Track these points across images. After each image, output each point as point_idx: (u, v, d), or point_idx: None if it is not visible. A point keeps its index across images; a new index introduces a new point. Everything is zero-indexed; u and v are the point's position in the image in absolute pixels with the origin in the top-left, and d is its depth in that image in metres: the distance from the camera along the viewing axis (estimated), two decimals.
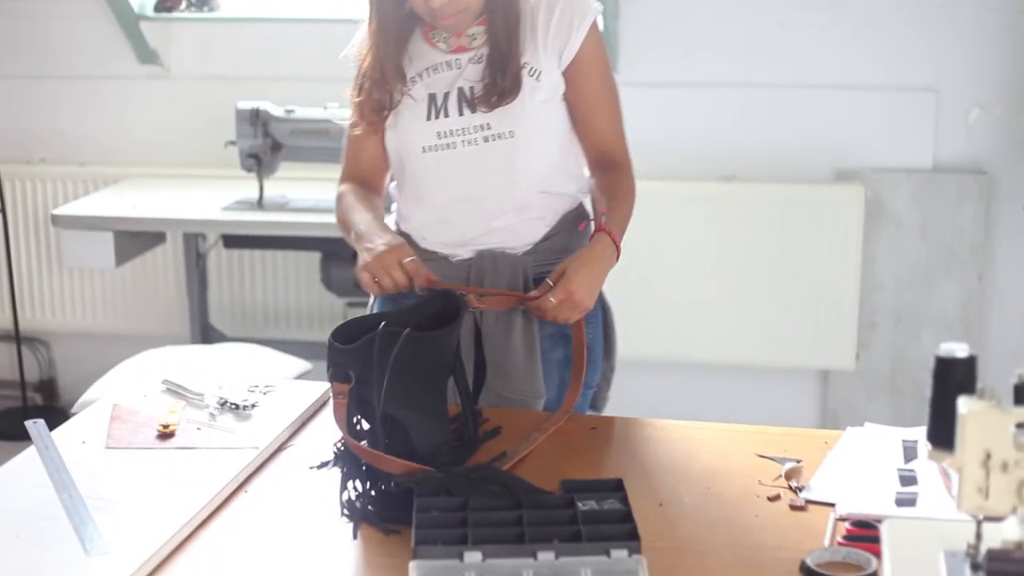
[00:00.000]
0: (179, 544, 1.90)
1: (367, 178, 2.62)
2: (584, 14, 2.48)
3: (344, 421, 2.05)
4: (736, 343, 4.76)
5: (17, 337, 5.26)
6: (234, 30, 5.05)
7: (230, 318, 5.20)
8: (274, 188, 4.65)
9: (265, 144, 4.51)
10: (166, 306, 5.25)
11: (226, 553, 1.89)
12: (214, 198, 4.68)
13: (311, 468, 2.16)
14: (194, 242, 4.96)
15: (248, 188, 4.69)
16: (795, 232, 4.65)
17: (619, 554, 1.72)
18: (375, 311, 2.61)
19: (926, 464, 2.09)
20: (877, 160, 4.67)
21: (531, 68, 2.46)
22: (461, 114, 2.46)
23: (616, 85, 2.58)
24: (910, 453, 2.16)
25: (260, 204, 4.58)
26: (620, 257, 2.45)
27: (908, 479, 2.07)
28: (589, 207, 2.64)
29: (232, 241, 4.90)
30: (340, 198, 2.61)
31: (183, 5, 5.09)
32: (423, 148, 2.49)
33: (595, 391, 2.69)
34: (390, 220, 2.61)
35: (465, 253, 2.53)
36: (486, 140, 2.46)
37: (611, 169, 2.57)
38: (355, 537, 1.92)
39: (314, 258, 4.88)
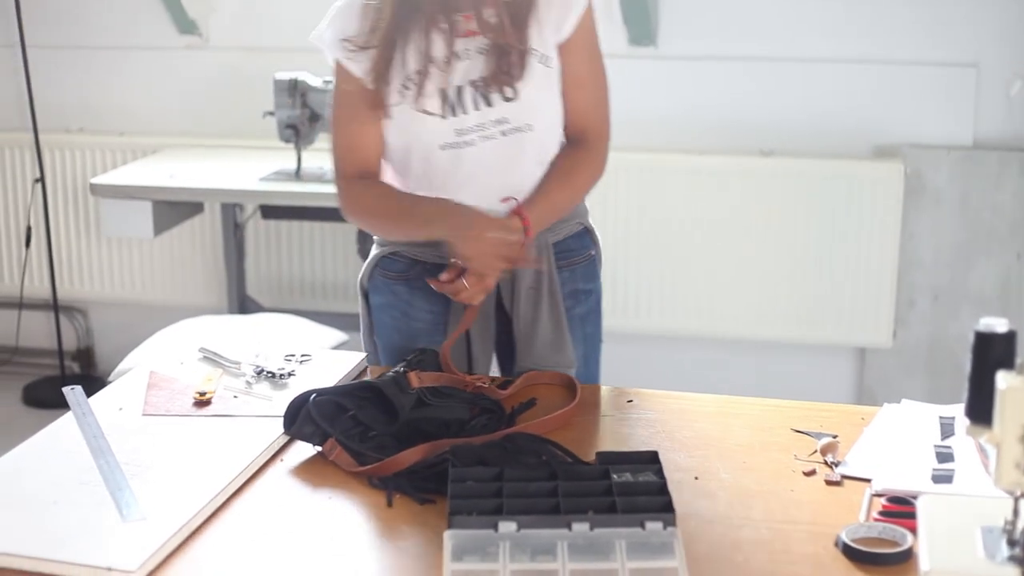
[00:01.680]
0: (215, 511, 1.91)
1: (372, 171, 2.57)
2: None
3: (352, 462, 2.06)
4: (773, 319, 4.74)
5: (55, 306, 5.29)
6: (272, 0, 5.05)
7: (267, 289, 5.22)
8: (312, 159, 4.65)
9: (303, 115, 4.52)
10: (203, 276, 5.27)
11: (261, 520, 1.90)
12: (252, 169, 4.69)
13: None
14: (232, 212, 4.98)
15: (286, 159, 4.70)
16: (833, 208, 4.63)
17: (654, 526, 1.72)
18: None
19: (963, 441, 2.08)
20: (917, 136, 4.65)
21: (541, 55, 2.43)
22: (477, 109, 2.43)
23: (602, 63, 2.55)
24: (947, 430, 2.15)
25: (298, 175, 4.59)
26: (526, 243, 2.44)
27: (945, 456, 2.06)
28: None
29: (270, 212, 4.92)
30: (361, 193, 2.56)
31: None
32: (440, 146, 2.46)
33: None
34: None
35: None
36: (504, 134, 2.44)
37: (579, 145, 2.55)
38: (389, 505, 1.92)
39: (351, 229, 4.88)
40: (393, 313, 2.62)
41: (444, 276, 2.41)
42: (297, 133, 4.53)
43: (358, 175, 2.56)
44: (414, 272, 2.58)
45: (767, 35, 4.68)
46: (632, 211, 4.77)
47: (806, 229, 4.67)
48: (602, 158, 2.57)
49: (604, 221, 4.68)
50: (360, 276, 2.67)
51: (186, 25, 5.11)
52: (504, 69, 2.40)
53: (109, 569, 1.70)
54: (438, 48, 2.42)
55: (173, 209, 4.80)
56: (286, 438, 2.14)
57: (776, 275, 4.72)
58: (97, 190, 4.65)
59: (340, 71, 2.49)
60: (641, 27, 4.67)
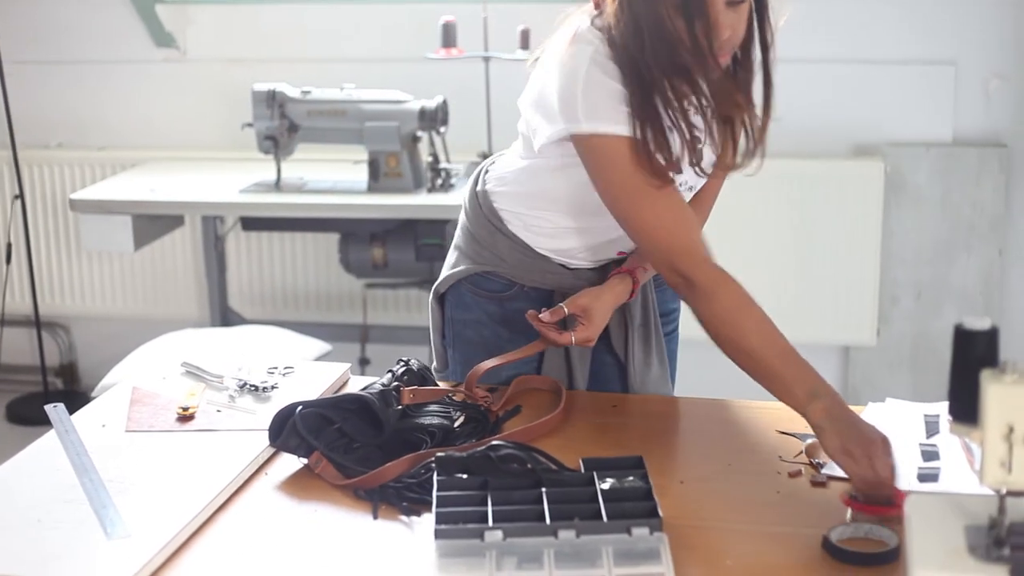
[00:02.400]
0: (200, 526, 1.90)
1: None
2: None
3: (337, 475, 2.05)
4: None
5: (37, 322, 5.27)
6: (249, 12, 5.04)
7: (249, 301, 5.21)
8: (291, 170, 4.65)
9: (282, 126, 4.51)
10: (185, 289, 5.26)
11: (247, 534, 1.89)
12: (232, 180, 4.68)
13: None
14: (212, 225, 4.97)
15: (266, 170, 4.68)
16: (814, 207, 4.63)
17: (640, 532, 1.72)
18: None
19: (948, 439, 2.08)
20: (896, 134, 4.65)
21: None
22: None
23: None
24: (932, 428, 2.16)
25: (278, 186, 4.58)
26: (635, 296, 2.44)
27: (930, 454, 2.06)
28: None
29: (250, 223, 4.90)
30: (736, 308, 2.39)
31: None
32: None
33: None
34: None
35: (583, 263, 2.48)
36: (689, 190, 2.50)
37: None
38: (375, 517, 1.92)
39: (332, 239, 4.87)
40: (482, 332, 2.53)
41: (545, 316, 2.35)
42: (276, 144, 4.52)
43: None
44: (510, 293, 2.49)
45: None
46: None
47: (787, 229, 4.67)
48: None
49: None
50: (437, 283, 2.56)
51: (163, 38, 5.10)
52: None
53: None
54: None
55: (153, 223, 4.79)
56: (271, 452, 2.13)
57: (758, 275, 4.70)
58: (77, 205, 4.64)
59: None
60: None
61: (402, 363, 2.36)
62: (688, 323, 4.69)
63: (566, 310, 2.34)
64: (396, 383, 2.27)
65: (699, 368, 4.85)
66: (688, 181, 2.38)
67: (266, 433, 2.13)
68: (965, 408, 1.59)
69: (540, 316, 2.34)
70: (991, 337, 1.60)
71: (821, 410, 1.99)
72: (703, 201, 2.57)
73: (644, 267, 2.45)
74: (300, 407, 2.13)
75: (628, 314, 2.50)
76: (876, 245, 4.63)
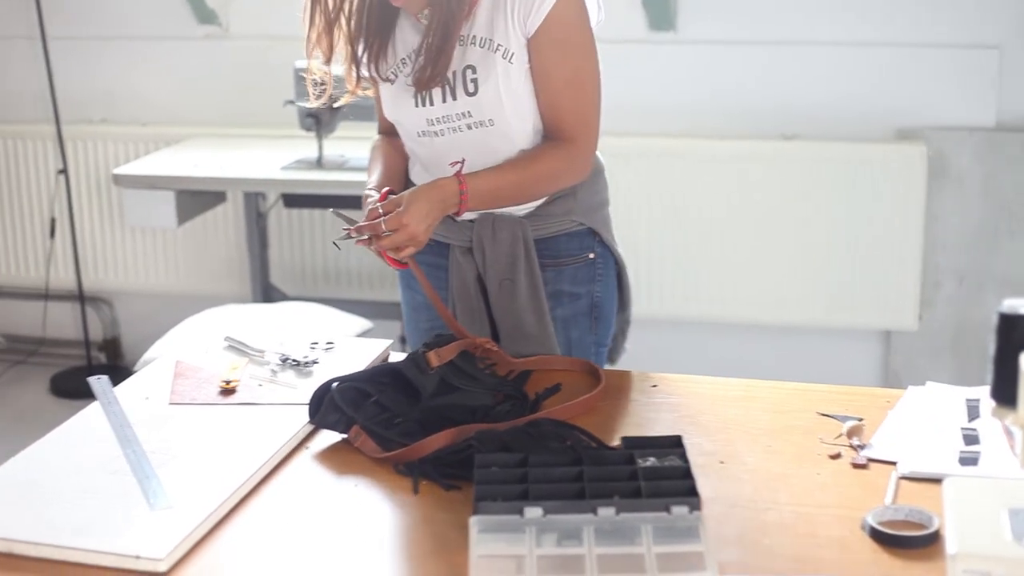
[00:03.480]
0: (242, 499, 1.91)
1: (392, 129, 2.64)
2: None
3: (377, 448, 2.06)
4: (798, 304, 4.74)
5: (81, 297, 5.31)
6: None
7: (290, 277, 5.23)
8: (333, 147, 4.66)
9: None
10: (227, 265, 5.29)
11: (287, 507, 1.90)
12: (274, 157, 4.70)
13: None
14: (254, 201, 4.99)
15: (307, 147, 4.70)
16: (857, 191, 4.62)
17: (679, 510, 1.72)
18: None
19: (989, 423, 2.07)
20: (939, 118, 4.63)
21: (504, 50, 2.40)
22: (444, 101, 2.43)
23: (589, 62, 2.49)
24: (973, 412, 2.15)
25: (319, 163, 4.59)
26: (462, 212, 2.42)
27: (971, 438, 2.05)
28: (594, 171, 2.63)
29: (292, 200, 4.92)
30: (373, 148, 2.69)
31: None
32: (418, 133, 2.51)
33: (611, 345, 2.73)
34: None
35: (469, 215, 2.54)
36: (469, 128, 2.45)
37: (550, 141, 2.50)
38: (416, 491, 1.93)
39: None
40: (403, 292, 2.73)
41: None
42: (318, 121, 4.53)
43: (383, 132, 2.70)
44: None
45: (787, 18, 4.67)
46: (653, 197, 4.76)
47: (829, 213, 4.66)
48: (574, 158, 2.51)
49: (626, 207, 4.69)
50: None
51: (206, 15, 5.12)
52: (431, 66, 2.39)
53: (137, 557, 1.71)
54: (412, 40, 2.45)
55: (196, 199, 4.82)
56: (311, 426, 2.14)
57: (800, 259, 4.72)
58: (120, 180, 4.66)
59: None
60: (660, 12, 4.66)
61: (435, 336, 2.38)
62: (723, 308, 4.70)
63: (380, 211, 2.32)
64: (423, 348, 2.29)
65: (740, 351, 4.87)
66: None
67: (306, 408, 2.14)
68: (1006, 392, 1.58)
69: (363, 224, 2.34)
70: None
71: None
72: None
73: (484, 180, 2.42)
74: (336, 383, 2.14)
75: (489, 268, 2.55)
76: (919, 230, 4.61)
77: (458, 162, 2.42)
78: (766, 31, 4.68)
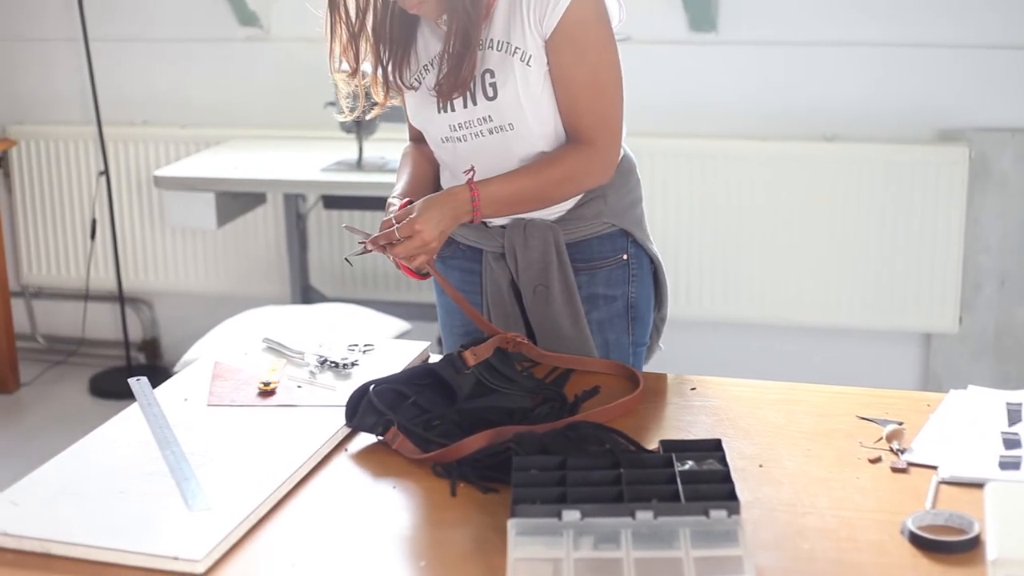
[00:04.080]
0: (280, 500, 1.92)
1: (421, 136, 2.64)
2: None
3: (415, 449, 2.06)
4: (838, 305, 4.72)
5: (121, 297, 5.34)
6: None
7: (330, 278, 5.24)
8: (373, 149, 4.67)
9: (368, 103, 4.52)
10: (266, 267, 5.30)
11: (326, 509, 1.90)
12: (313, 159, 4.71)
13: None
14: (294, 203, 5.00)
15: (347, 149, 4.71)
16: (898, 193, 4.60)
17: (718, 514, 1.71)
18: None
19: None
20: (981, 120, 4.61)
21: (522, 53, 2.38)
22: (465, 107, 2.43)
23: (608, 63, 2.44)
24: (1014, 416, 2.13)
25: (359, 165, 4.60)
26: (477, 219, 2.41)
27: (1012, 442, 2.04)
28: (624, 171, 2.59)
29: (332, 202, 4.94)
30: (401, 157, 2.70)
31: None
32: (442, 139, 2.50)
33: (647, 344, 2.71)
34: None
35: (500, 220, 2.53)
36: (491, 132, 2.44)
37: (568, 144, 2.48)
38: (453, 494, 1.93)
39: None
40: (439, 297, 2.73)
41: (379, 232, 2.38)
42: (358, 123, 4.54)
43: (413, 139, 2.70)
44: (448, 252, 2.64)
45: (829, 19, 4.65)
46: (694, 198, 4.75)
47: (870, 214, 4.64)
48: (592, 161, 2.47)
49: (665, 208, 4.68)
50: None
51: (247, 17, 5.14)
52: (455, 73, 2.38)
53: (175, 558, 1.71)
54: (433, 47, 2.45)
55: (236, 200, 4.84)
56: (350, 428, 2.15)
57: (840, 261, 4.70)
58: (161, 182, 4.69)
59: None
60: (702, 13, 4.65)
61: (471, 339, 2.39)
62: (763, 309, 4.68)
63: (394, 220, 2.33)
64: (460, 348, 2.29)
65: (779, 353, 4.85)
66: None
67: (344, 410, 2.14)
68: None
69: (378, 236, 2.35)
70: None
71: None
72: None
73: (497, 188, 2.41)
74: (373, 385, 2.15)
75: (523, 276, 2.54)
76: (960, 232, 4.59)
77: (469, 170, 2.44)
78: (807, 32, 4.66)
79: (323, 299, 5.03)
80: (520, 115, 2.41)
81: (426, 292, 5.06)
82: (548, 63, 2.40)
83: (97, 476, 1.97)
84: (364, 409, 2.12)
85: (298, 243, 5.04)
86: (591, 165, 2.47)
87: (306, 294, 5.06)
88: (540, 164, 2.44)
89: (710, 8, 4.65)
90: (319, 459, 2.05)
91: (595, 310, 2.57)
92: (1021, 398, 2.18)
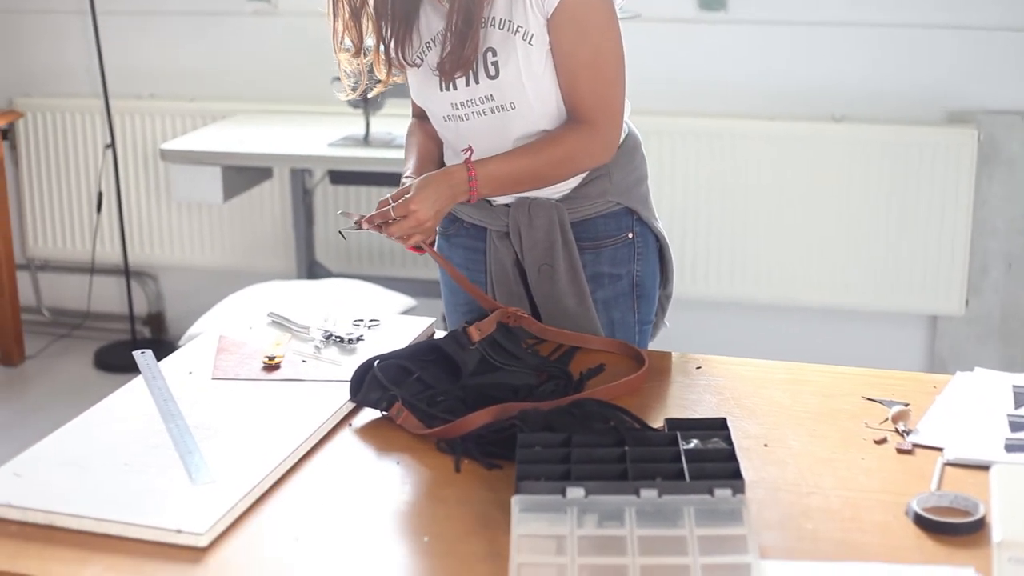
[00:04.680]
0: (283, 475, 1.91)
1: (424, 113, 2.63)
2: None
3: (419, 424, 2.06)
4: (845, 286, 4.72)
5: (127, 271, 5.34)
6: None
7: (335, 254, 5.24)
8: (380, 124, 4.66)
9: (371, 80, 4.51)
10: (272, 242, 5.30)
11: (329, 484, 1.90)
12: (321, 134, 4.71)
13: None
14: (300, 178, 4.99)
15: (355, 124, 4.71)
16: (906, 174, 4.59)
17: (723, 493, 1.71)
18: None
19: None
20: (990, 102, 4.59)
21: (524, 31, 2.37)
22: (467, 85, 2.42)
23: (609, 43, 2.43)
24: (1020, 399, 2.13)
25: (366, 140, 4.60)
26: (474, 198, 2.40)
27: (1018, 425, 2.04)
28: (628, 149, 2.58)
29: (338, 177, 4.93)
30: (407, 135, 2.68)
31: None
32: (444, 117, 2.50)
33: (653, 322, 2.71)
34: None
35: (504, 199, 2.52)
36: (492, 111, 2.43)
37: (568, 122, 2.47)
38: (457, 470, 1.93)
39: None
40: (442, 275, 2.73)
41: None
42: (365, 99, 4.52)
43: (416, 115, 2.68)
44: (452, 230, 2.65)
45: (841, 1, 4.63)
46: (702, 177, 4.74)
47: (878, 196, 4.63)
48: (593, 141, 2.46)
49: (673, 187, 4.67)
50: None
51: None
52: (458, 51, 2.38)
53: (178, 531, 1.71)
54: (436, 24, 2.44)
55: (242, 174, 4.83)
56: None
57: (847, 242, 4.69)
58: (167, 155, 4.68)
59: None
60: None
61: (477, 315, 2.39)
62: (769, 289, 4.68)
63: (390, 199, 2.33)
64: (464, 324, 2.29)
65: (786, 333, 4.84)
66: None
67: (350, 384, 2.14)
68: None
69: (368, 216, 2.35)
70: None
71: None
72: None
73: (495, 167, 2.41)
74: (377, 360, 2.14)
75: (528, 256, 2.53)
76: (967, 214, 4.58)
77: (467, 149, 2.44)
78: (817, 11, 4.65)
79: (328, 274, 5.03)
80: (522, 94, 2.41)
81: (431, 269, 5.05)
82: (550, 42, 2.39)
83: (101, 449, 1.97)
84: (368, 384, 2.12)
85: (304, 218, 5.03)
86: (592, 145, 2.46)
87: (312, 269, 5.06)
88: (539, 144, 2.43)
89: None
90: (323, 434, 2.05)
91: (600, 289, 2.57)
92: None
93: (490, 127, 2.45)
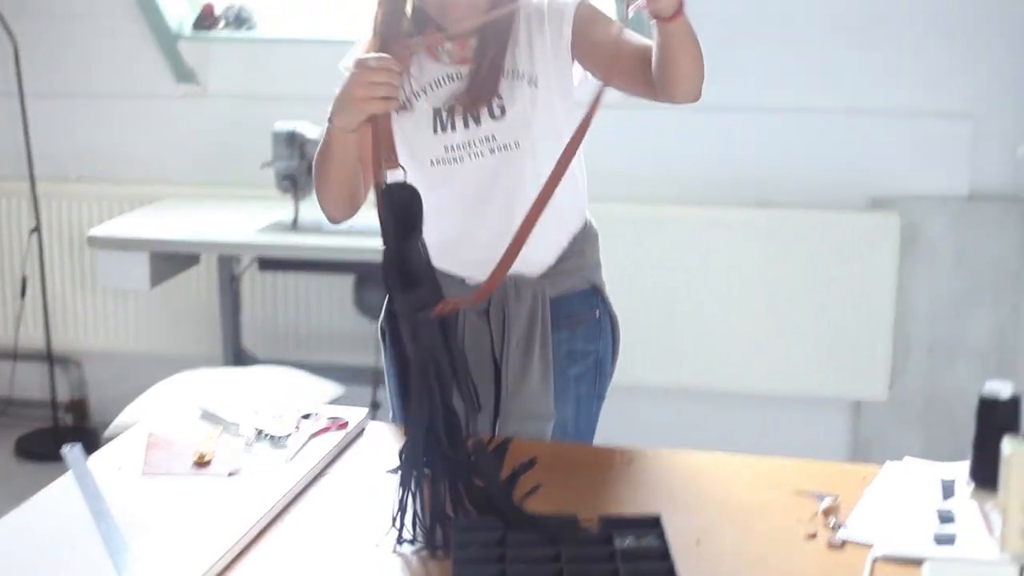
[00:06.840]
0: (219, 573, 1.90)
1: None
2: (564, 5, 2.50)
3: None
4: (768, 371, 4.74)
5: (50, 357, 5.28)
6: (271, 50, 5.07)
7: (263, 340, 5.21)
8: (309, 210, 4.65)
9: (301, 166, 4.53)
10: (199, 328, 5.26)
11: None
12: (249, 219, 4.69)
13: (387, 471, 2.19)
14: (228, 264, 4.97)
15: (283, 209, 4.70)
16: (829, 259, 4.63)
17: None
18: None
19: (965, 502, 2.08)
20: (913, 187, 4.66)
21: (529, 77, 2.47)
22: (467, 127, 2.47)
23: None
24: (948, 491, 2.15)
25: (295, 226, 4.59)
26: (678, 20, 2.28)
27: (947, 517, 2.05)
28: (593, 228, 2.68)
29: (267, 264, 4.92)
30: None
31: (221, 25, 5.11)
32: (431, 161, 2.51)
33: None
34: None
35: (482, 276, 2.42)
36: (492, 152, 2.48)
37: None
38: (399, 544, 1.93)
39: (348, 281, 4.89)
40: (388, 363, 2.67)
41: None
42: (295, 184, 4.54)
43: None
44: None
45: (763, 85, 4.69)
46: (628, 262, 4.76)
47: (802, 280, 4.67)
48: None
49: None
50: (380, 320, 2.66)
51: (184, 74, 5.13)
52: (474, 92, 2.45)
53: None
54: (431, 72, 2.50)
55: (170, 261, 4.80)
56: (288, 498, 2.13)
57: (772, 327, 4.72)
58: (94, 242, 4.65)
59: None
60: None
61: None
62: (693, 375, 4.69)
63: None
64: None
65: (709, 419, 4.86)
66: None
67: (283, 481, 2.13)
68: (986, 474, 1.59)
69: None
70: (1014, 405, 1.61)
71: None
72: None
73: None
74: None
75: (511, 328, 2.54)
76: (890, 298, 4.62)
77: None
78: (741, 98, 4.69)
79: (256, 361, 5.00)
80: (527, 132, 2.47)
81: (360, 354, 5.04)
82: (581, 58, 2.50)
83: (30, 546, 1.96)
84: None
85: (231, 304, 5.01)
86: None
87: (239, 356, 5.03)
88: None
89: None
90: (257, 531, 2.03)
91: (574, 365, 2.62)
92: (954, 473, 2.19)
93: (489, 167, 2.49)
